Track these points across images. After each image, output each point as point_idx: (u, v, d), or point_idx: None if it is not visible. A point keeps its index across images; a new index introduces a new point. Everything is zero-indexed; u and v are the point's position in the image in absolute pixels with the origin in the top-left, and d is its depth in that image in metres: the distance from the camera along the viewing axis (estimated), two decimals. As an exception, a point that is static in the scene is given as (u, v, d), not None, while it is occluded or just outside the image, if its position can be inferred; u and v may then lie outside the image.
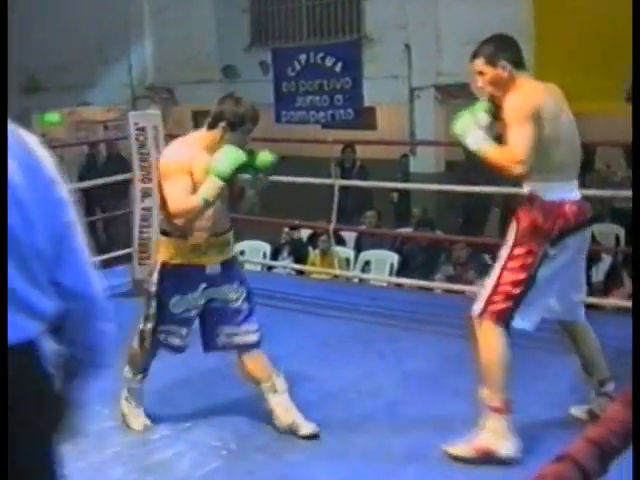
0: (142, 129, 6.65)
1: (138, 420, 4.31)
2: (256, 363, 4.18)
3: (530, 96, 3.74)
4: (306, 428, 4.11)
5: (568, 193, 3.84)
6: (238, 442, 4.11)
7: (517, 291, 3.81)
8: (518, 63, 3.81)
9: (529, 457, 3.72)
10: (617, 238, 9.20)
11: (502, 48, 3.82)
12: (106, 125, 14.83)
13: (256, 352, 4.18)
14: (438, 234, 9.20)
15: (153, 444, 4.13)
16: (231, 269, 4.17)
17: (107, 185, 8.11)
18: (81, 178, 12.22)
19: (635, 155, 3.29)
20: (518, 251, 3.82)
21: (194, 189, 3.86)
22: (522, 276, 3.79)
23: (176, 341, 4.16)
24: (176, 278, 4.06)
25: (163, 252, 4.10)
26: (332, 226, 7.34)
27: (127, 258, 6.97)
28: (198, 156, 3.93)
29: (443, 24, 11.21)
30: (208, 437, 4.18)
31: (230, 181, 3.91)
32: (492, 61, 3.78)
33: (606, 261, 8.05)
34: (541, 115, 3.68)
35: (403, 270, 8.04)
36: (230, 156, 3.86)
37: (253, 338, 4.16)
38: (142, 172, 6.67)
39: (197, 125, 15.43)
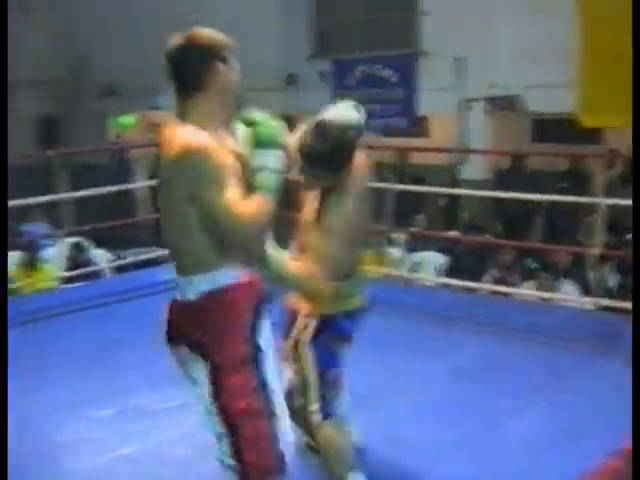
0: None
1: None
2: None
3: None
4: None
5: None
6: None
7: None
8: None
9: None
10: None
11: None
12: (175, 129, 14.97)
13: None
14: (487, 238, 9.11)
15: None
16: None
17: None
18: (152, 177, 12.40)
19: (635, 157, 3.12)
20: None
21: None
22: None
23: None
24: None
25: None
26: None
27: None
28: None
29: (497, 39, 11.14)
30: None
31: None
32: None
33: None
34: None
35: (453, 272, 8.00)
36: None
37: None
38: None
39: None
